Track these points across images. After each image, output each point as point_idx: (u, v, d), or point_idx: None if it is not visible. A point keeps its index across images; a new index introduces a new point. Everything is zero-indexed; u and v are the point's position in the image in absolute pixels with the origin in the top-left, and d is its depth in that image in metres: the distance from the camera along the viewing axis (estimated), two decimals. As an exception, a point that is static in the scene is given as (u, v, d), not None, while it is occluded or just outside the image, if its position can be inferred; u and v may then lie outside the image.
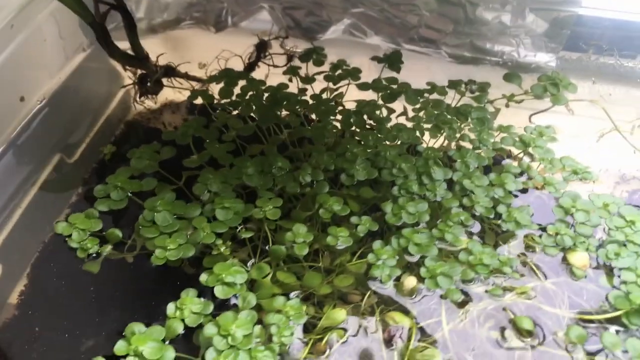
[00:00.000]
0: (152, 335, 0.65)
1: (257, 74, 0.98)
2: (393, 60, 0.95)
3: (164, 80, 0.95)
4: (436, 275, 0.72)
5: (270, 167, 0.82)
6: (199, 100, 0.93)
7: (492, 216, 0.79)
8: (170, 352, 0.64)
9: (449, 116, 0.89)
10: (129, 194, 0.81)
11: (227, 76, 0.94)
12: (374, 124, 0.89)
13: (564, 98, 0.91)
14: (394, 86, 0.93)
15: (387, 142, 0.86)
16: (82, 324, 0.72)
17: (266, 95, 0.91)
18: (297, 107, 0.90)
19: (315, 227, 0.78)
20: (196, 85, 0.96)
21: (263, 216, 0.76)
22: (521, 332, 0.70)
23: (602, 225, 0.80)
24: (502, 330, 0.70)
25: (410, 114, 0.91)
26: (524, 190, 0.85)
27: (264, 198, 0.78)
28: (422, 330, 0.70)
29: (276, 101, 0.90)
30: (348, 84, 0.94)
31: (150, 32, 1.08)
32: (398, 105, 0.92)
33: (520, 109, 0.94)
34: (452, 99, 0.93)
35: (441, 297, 0.73)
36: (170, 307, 0.68)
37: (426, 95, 0.92)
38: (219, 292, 0.70)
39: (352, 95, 0.93)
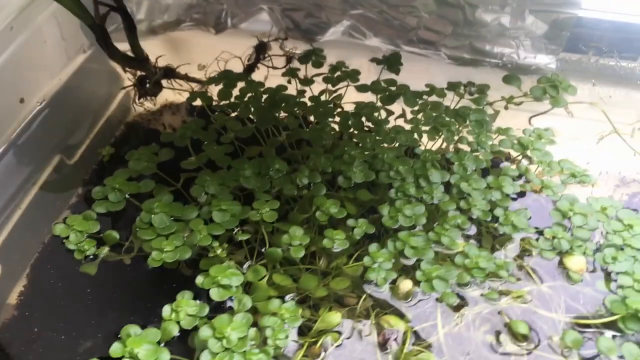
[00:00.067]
0: (148, 338, 0.65)
1: (257, 75, 0.98)
2: (392, 62, 0.95)
3: (164, 82, 0.96)
4: (432, 278, 0.72)
5: (268, 169, 0.82)
6: (198, 102, 0.93)
7: (489, 219, 0.79)
8: (166, 355, 0.65)
9: (447, 118, 0.88)
10: (127, 196, 0.81)
11: (226, 78, 0.94)
12: (372, 126, 0.89)
13: (564, 100, 0.90)
14: (393, 88, 0.92)
15: (385, 145, 0.86)
16: (79, 325, 0.72)
17: (265, 97, 0.91)
18: (296, 109, 0.90)
19: (312, 229, 0.78)
20: (195, 87, 0.96)
21: (260, 218, 0.77)
22: (516, 337, 0.70)
23: (599, 229, 0.79)
24: (498, 334, 0.70)
25: (409, 116, 0.91)
26: (522, 193, 0.85)
27: (261, 200, 0.79)
28: (417, 333, 0.70)
29: (275, 103, 0.90)
30: (347, 86, 0.94)
31: (150, 33, 1.08)
32: (397, 107, 0.92)
33: (519, 111, 0.94)
34: (451, 100, 0.93)
35: (437, 300, 0.73)
36: (166, 310, 0.69)
37: (425, 97, 0.92)
38: (215, 294, 0.70)
39: (350, 97, 0.93)
